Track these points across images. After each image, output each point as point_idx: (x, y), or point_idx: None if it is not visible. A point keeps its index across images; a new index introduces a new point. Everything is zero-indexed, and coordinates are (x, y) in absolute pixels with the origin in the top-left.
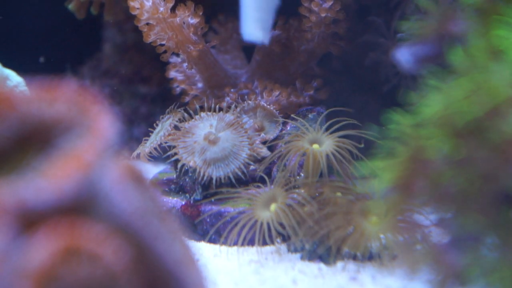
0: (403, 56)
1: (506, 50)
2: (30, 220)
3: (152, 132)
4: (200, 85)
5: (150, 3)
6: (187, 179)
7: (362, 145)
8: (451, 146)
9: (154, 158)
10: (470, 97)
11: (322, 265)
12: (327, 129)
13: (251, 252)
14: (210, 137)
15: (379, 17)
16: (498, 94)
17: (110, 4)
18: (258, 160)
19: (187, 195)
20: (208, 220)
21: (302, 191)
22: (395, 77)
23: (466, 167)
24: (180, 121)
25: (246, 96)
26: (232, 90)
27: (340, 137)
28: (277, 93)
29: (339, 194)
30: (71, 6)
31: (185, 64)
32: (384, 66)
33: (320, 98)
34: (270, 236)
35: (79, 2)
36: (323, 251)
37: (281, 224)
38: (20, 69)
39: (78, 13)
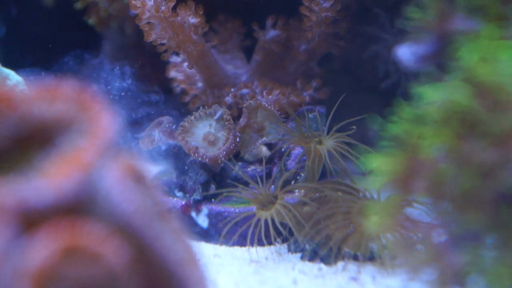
0: (404, 54)
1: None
2: (30, 220)
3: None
4: (200, 84)
5: (152, 2)
6: (187, 179)
7: (354, 129)
8: (450, 142)
9: (154, 157)
10: (470, 91)
11: (322, 265)
12: (328, 129)
13: (251, 252)
14: (210, 138)
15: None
16: (499, 89)
17: (130, 20)
18: (259, 160)
19: (187, 195)
20: (208, 220)
21: (303, 190)
22: (395, 74)
23: (466, 164)
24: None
25: (246, 96)
26: (232, 89)
27: (338, 131)
28: (277, 92)
29: (339, 193)
30: (91, 21)
31: (185, 64)
32: (385, 61)
33: (320, 97)
34: (271, 236)
35: (99, 17)
36: (324, 251)
37: (281, 224)
38: (20, 69)
39: (98, 27)
